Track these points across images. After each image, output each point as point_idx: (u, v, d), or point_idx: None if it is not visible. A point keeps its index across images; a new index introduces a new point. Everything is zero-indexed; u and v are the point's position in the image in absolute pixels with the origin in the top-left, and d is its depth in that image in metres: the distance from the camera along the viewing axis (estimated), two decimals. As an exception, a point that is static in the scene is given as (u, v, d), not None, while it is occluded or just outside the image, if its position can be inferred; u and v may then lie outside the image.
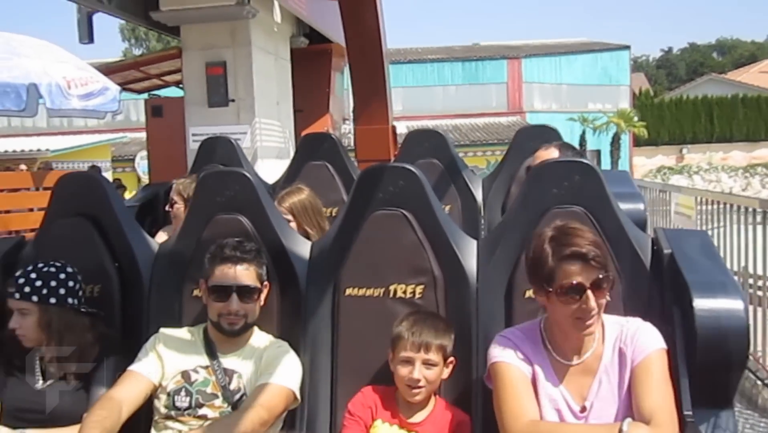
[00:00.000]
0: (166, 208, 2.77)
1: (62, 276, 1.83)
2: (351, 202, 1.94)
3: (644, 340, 1.52)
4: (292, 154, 5.77)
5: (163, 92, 8.85)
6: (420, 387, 1.66)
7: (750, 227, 4.14)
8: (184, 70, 5.31)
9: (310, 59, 6.65)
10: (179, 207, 2.69)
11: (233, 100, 5.10)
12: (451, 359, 1.72)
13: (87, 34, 5.31)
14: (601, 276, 1.46)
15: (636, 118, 21.53)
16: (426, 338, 1.67)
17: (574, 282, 1.45)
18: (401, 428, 1.68)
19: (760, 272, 3.96)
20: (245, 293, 1.77)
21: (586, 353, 1.54)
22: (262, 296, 1.83)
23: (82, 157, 14.71)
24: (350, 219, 1.91)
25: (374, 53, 5.68)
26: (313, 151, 3.26)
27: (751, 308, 3.88)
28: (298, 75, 6.18)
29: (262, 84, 5.27)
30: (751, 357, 3.69)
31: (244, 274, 1.77)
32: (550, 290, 1.48)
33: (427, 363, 1.66)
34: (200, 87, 5.12)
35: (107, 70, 7.04)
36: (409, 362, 1.66)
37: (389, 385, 1.73)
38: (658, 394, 1.45)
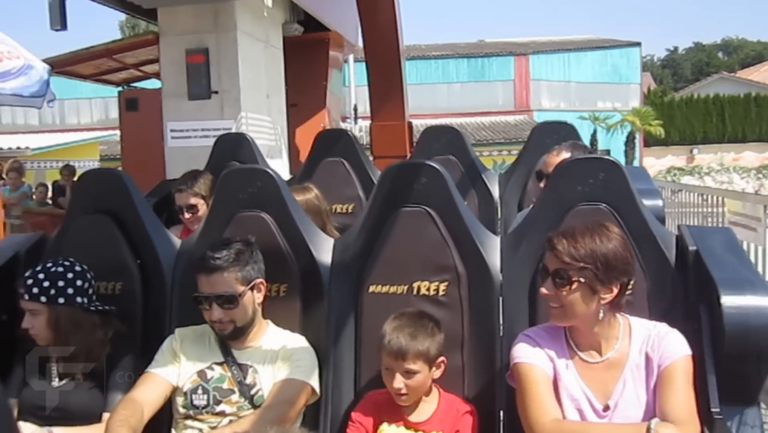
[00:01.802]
0: (186, 216, 2.72)
1: (70, 275, 1.85)
2: (374, 200, 1.98)
3: (671, 346, 1.55)
4: (284, 152, 5.42)
5: (145, 85, 8.06)
6: (404, 394, 1.68)
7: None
8: (161, 58, 4.82)
9: (305, 49, 6.13)
10: (203, 208, 2.67)
11: (216, 92, 4.61)
12: (442, 358, 1.71)
13: (59, 20, 4.67)
14: (561, 268, 1.53)
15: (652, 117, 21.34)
16: (402, 347, 1.65)
17: (544, 264, 1.60)
18: (408, 428, 1.70)
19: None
20: (223, 301, 1.76)
21: (609, 352, 1.58)
22: (255, 296, 1.81)
23: (66, 156, 14.10)
24: (373, 216, 1.95)
25: (391, 48, 5.66)
26: (329, 147, 3.30)
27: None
28: (291, 66, 5.71)
29: (249, 74, 4.81)
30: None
31: (220, 282, 1.76)
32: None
33: (407, 372, 1.66)
34: (179, 77, 4.62)
35: (74, 58, 6.50)
36: (390, 370, 1.68)
37: None
38: (683, 397, 1.49)
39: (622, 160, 21.18)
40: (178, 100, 4.69)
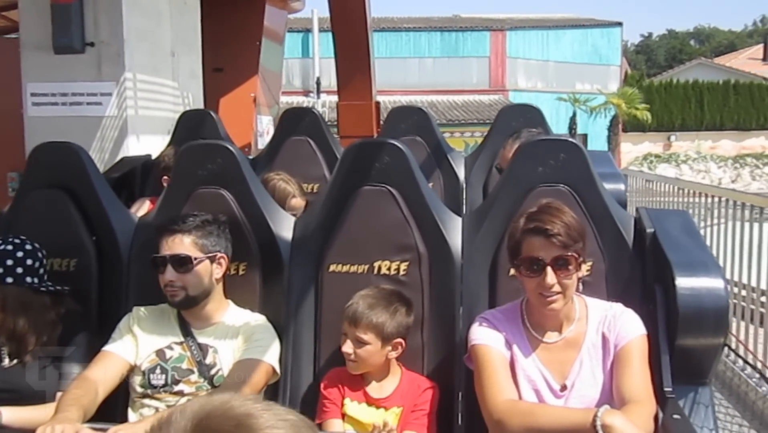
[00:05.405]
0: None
1: (20, 254, 1.86)
2: (335, 178, 2.02)
3: (627, 326, 1.62)
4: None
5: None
6: (352, 360, 1.75)
7: (747, 225, 3.99)
8: None
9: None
10: None
11: (92, 44, 3.70)
12: (400, 340, 1.76)
13: None
14: (563, 255, 1.55)
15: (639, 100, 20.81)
16: (356, 313, 1.74)
17: (534, 256, 1.57)
18: (369, 405, 1.77)
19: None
20: (177, 262, 1.81)
21: (566, 332, 1.64)
22: (213, 268, 1.85)
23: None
24: (334, 195, 1.99)
25: (359, 26, 5.66)
26: (294, 125, 3.34)
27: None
28: (213, 20, 4.86)
29: (140, 23, 3.87)
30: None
31: (178, 243, 1.82)
32: (516, 262, 1.62)
33: (357, 340, 1.73)
34: (42, 23, 3.64)
35: None
36: (345, 335, 1.76)
37: None
38: (639, 376, 1.56)
39: (604, 146, 20.38)
40: (40, 54, 3.72)
